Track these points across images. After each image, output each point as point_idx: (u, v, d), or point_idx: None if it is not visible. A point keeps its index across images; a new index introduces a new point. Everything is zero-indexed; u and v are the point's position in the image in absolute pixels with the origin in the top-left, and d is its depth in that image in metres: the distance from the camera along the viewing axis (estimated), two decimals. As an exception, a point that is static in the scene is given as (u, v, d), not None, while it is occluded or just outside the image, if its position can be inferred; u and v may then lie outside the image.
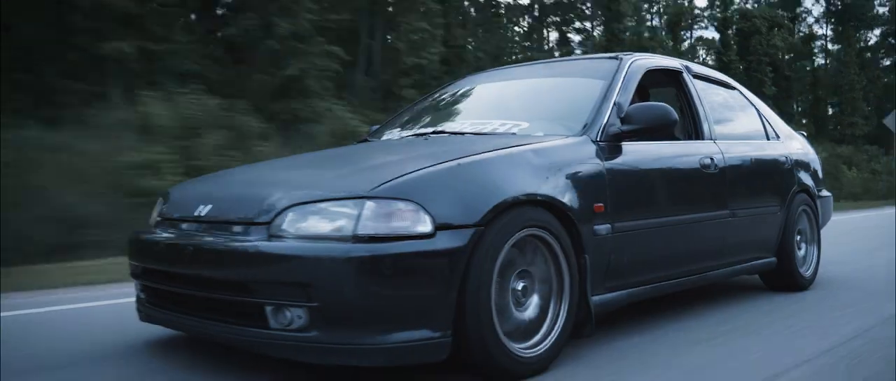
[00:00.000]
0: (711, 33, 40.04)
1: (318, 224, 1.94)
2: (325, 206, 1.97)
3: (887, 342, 2.56)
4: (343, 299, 1.84)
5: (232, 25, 14.74)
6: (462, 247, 1.94)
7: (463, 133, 2.80)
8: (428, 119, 3.23)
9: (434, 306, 1.91)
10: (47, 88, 11.12)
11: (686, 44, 38.32)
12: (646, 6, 35.73)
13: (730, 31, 32.54)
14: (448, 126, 2.93)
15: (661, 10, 37.54)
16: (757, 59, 31.13)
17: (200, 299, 2.13)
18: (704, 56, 37.90)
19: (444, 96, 3.52)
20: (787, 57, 35.19)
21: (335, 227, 1.92)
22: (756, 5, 37.26)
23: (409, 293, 1.89)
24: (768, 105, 4.26)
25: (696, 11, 40.11)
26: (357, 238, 1.87)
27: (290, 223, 1.98)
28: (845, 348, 2.47)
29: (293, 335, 1.91)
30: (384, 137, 3.21)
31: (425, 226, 1.92)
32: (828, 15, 40.31)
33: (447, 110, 3.32)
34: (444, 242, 1.92)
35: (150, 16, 12.31)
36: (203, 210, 2.23)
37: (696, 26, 40.77)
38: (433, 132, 2.88)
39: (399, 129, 3.24)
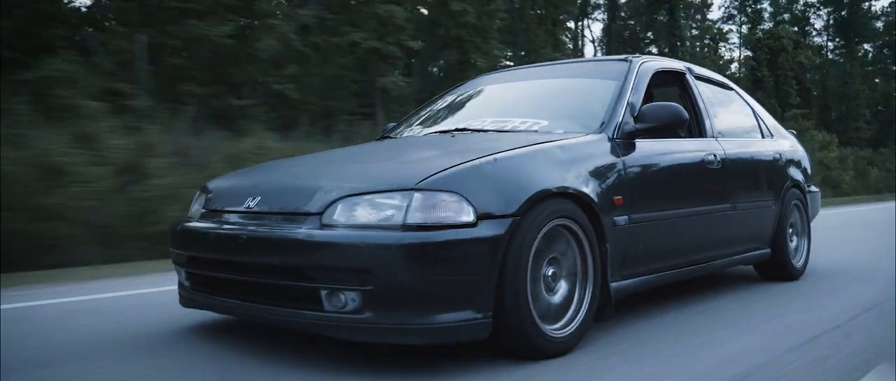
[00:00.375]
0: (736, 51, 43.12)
1: (369, 214, 2.10)
2: (374, 197, 2.12)
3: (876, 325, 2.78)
4: (396, 284, 2.00)
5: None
6: (501, 235, 2.11)
7: (485, 131, 2.97)
8: (447, 118, 3.39)
9: (477, 290, 2.08)
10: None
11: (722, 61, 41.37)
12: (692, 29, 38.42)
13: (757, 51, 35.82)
14: (470, 124, 3.10)
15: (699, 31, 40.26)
16: (783, 74, 34.41)
17: (253, 284, 2.28)
18: (738, 72, 40.80)
19: (458, 97, 3.68)
20: (808, 73, 38.06)
21: (384, 216, 2.08)
22: (776, 24, 40.27)
23: (455, 278, 2.05)
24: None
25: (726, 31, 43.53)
26: (406, 227, 2.03)
27: (341, 214, 2.13)
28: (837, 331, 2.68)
29: (347, 317, 2.06)
30: (405, 135, 3.37)
31: (468, 216, 2.08)
32: (834, 29, 42.68)
33: (464, 110, 3.48)
34: (486, 230, 2.09)
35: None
36: (252, 202, 2.37)
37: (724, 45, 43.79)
38: (456, 130, 3.05)
39: (420, 127, 3.40)
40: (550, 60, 7.91)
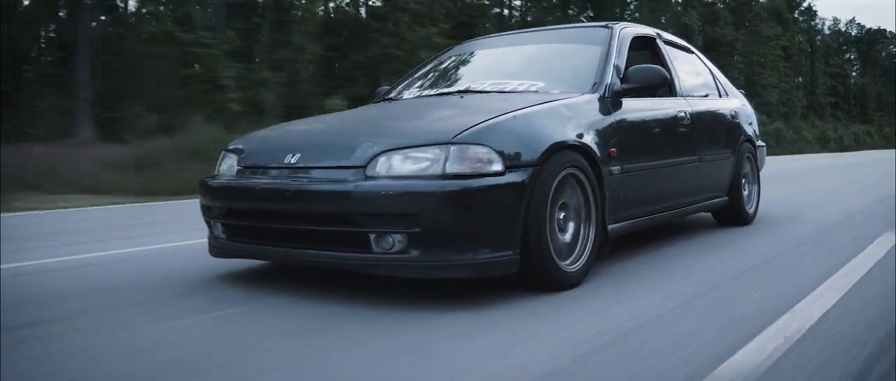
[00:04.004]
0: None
1: (409, 166, 2.36)
2: (412, 151, 2.38)
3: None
4: (439, 226, 2.28)
5: None
6: (526, 182, 2.41)
7: (488, 92, 3.25)
8: (445, 81, 3.65)
9: (507, 230, 2.38)
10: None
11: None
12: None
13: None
14: (471, 86, 3.37)
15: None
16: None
17: (300, 231, 2.51)
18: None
19: (449, 62, 3.94)
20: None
21: (423, 167, 2.34)
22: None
23: (489, 220, 2.35)
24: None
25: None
26: (445, 176, 2.31)
27: (383, 166, 2.38)
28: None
29: (395, 257, 2.33)
30: (406, 96, 3.61)
31: (498, 165, 2.37)
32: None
33: (460, 73, 3.74)
34: (513, 178, 2.39)
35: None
36: (292, 158, 2.59)
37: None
38: (459, 92, 3.31)
39: (418, 89, 3.64)
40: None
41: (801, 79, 51.76)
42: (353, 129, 2.82)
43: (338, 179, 2.42)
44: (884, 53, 71.22)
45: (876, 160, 16.94)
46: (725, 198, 4.25)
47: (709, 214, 4.44)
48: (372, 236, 2.35)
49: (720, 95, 4.51)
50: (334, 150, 2.55)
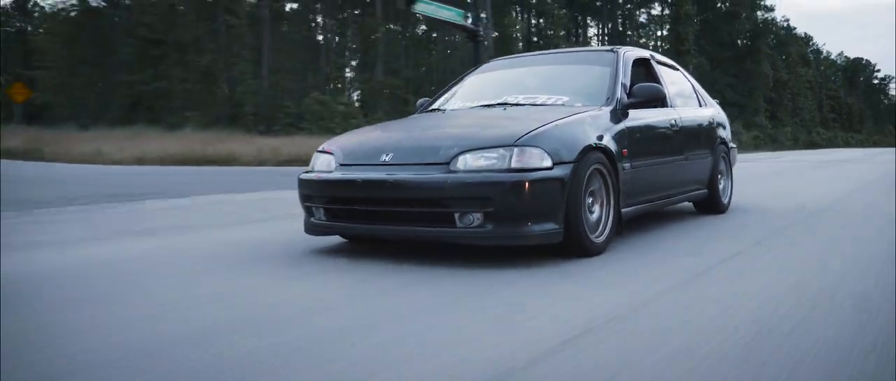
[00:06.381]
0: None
1: (483, 162, 3.17)
2: (484, 152, 3.19)
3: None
4: (508, 206, 3.09)
5: None
6: (567, 175, 3.24)
7: (523, 105, 4.07)
8: (483, 95, 4.46)
9: (555, 210, 3.21)
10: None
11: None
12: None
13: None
14: (508, 99, 4.19)
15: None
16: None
17: (396, 212, 3.30)
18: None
19: (480, 79, 4.76)
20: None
21: (493, 163, 3.16)
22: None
23: (542, 203, 3.17)
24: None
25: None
26: (510, 170, 3.12)
27: (462, 162, 3.19)
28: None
29: (474, 230, 3.14)
30: (452, 108, 4.41)
31: (548, 162, 3.19)
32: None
33: (494, 88, 4.55)
34: (558, 172, 3.21)
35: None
36: (386, 157, 3.39)
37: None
38: (501, 104, 4.13)
39: (461, 101, 4.45)
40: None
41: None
42: (432, 135, 3.61)
43: (428, 172, 3.22)
44: (862, 78, 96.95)
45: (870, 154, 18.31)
46: (705, 190, 5.14)
47: (690, 204, 5.34)
48: (457, 215, 3.15)
49: (700, 105, 5.40)
50: (421, 151, 3.35)
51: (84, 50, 37.74)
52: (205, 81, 35.38)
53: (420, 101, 4.93)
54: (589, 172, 3.41)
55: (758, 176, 10.96)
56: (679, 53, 43.26)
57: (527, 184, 3.11)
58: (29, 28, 47.65)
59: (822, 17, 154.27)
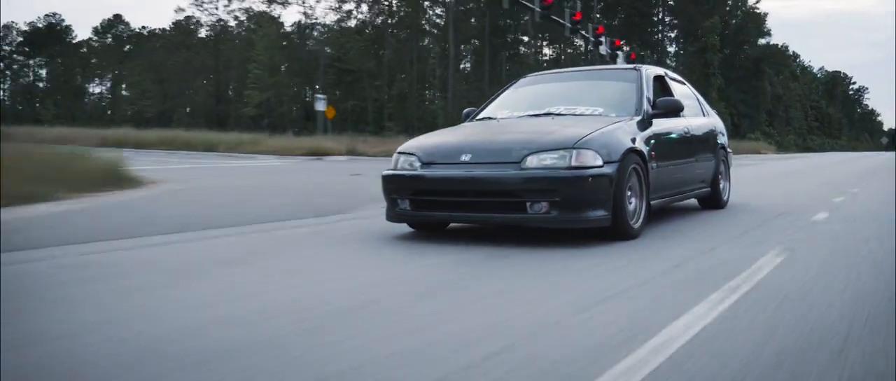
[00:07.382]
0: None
1: (549, 161, 3.94)
2: (549, 153, 3.96)
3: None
4: (569, 197, 3.86)
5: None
6: (614, 172, 4.02)
7: (565, 114, 4.86)
8: (527, 105, 5.24)
9: (605, 200, 3.98)
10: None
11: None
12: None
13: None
14: (552, 110, 4.97)
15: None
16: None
17: (476, 202, 4.06)
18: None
19: (521, 91, 5.54)
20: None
21: (557, 162, 3.93)
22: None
23: (596, 194, 3.94)
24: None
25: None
26: (570, 168, 3.90)
27: (530, 161, 3.95)
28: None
29: (541, 216, 3.90)
30: (503, 116, 5.17)
31: (599, 161, 3.97)
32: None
33: (534, 100, 5.32)
34: (607, 170, 3.99)
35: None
36: (466, 157, 4.14)
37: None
38: (547, 114, 4.91)
39: (509, 111, 5.22)
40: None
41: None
42: (502, 139, 4.33)
43: (504, 170, 3.98)
44: (841, 90, 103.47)
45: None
46: (709, 189, 5.98)
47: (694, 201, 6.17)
48: (528, 204, 3.92)
49: (704, 115, 6.25)
50: (495, 152, 4.11)
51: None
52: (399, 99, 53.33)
53: (466, 110, 5.69)
54: (629, 170, 4.20)
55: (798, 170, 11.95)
56: (705, 76, 53.75)
57: (584, 179, 3.89)
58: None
59: (793, 25, 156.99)
